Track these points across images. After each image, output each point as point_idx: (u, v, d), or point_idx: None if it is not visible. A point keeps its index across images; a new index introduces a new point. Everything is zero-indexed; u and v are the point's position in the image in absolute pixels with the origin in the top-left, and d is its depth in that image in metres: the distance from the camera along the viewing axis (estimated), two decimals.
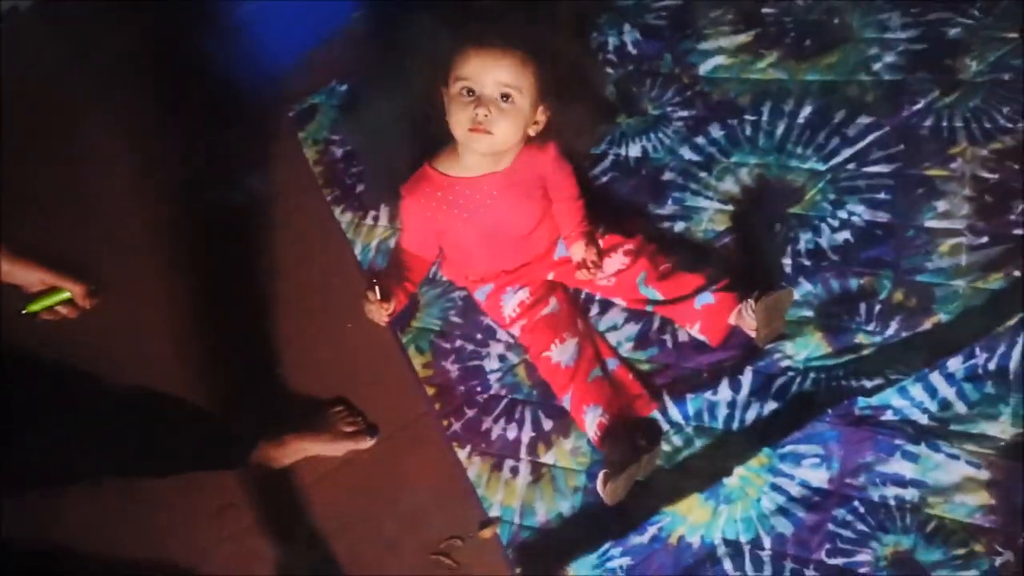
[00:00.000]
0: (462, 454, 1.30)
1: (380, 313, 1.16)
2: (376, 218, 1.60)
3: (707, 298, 1.22)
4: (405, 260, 1.27)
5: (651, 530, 1.12)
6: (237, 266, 1.64)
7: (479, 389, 1.35)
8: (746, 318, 1.18)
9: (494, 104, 1.10)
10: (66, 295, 1.02)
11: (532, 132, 1.17)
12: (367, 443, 1.37)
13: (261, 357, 1.51)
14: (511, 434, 1.29)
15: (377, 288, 1.14)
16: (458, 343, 1.40)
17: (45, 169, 1.94)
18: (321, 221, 1.65)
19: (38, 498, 1.36)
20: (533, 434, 1.28)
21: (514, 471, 1.26)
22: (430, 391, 1.38)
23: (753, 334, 1.20)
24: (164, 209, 1.78)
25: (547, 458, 1.25)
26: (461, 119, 1.12)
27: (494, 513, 1.24)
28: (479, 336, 1.40)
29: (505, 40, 1.10)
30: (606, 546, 1.12)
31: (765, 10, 1.54)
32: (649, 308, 1.29)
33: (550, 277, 1.35)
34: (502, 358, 1.36)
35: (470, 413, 1.33)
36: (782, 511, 1.10)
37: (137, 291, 1.67)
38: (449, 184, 1.21)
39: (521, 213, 1.25)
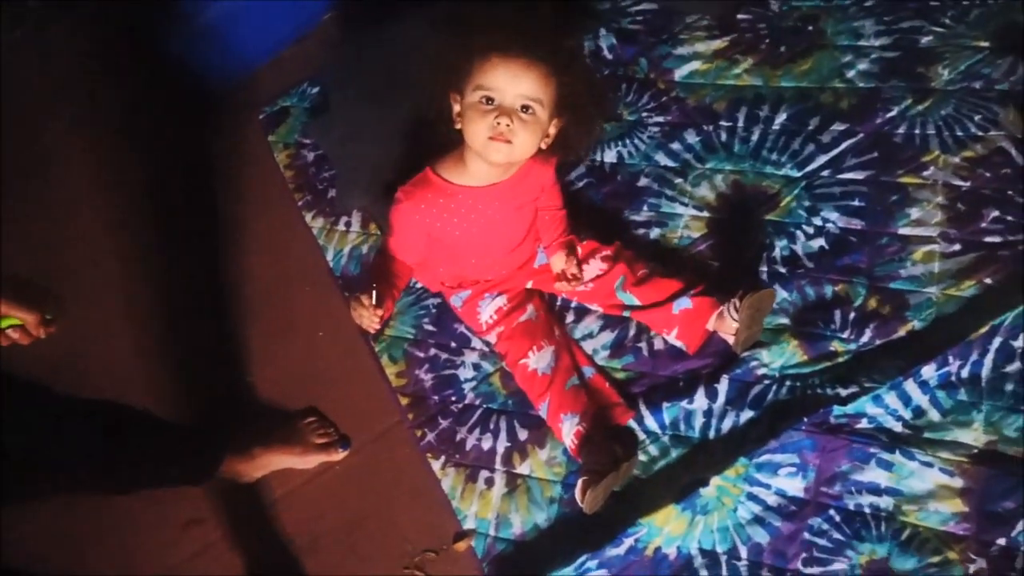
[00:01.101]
0: (436, 465, 1.28)
1: (372, 320, 1.12)
2: (348, 224, 1.57)
3: (685, 303, 1.22)
4: (392, 266, 1.23)
5: (627, 541, 1.11)
6: (205, 274, 1.61)
7: (453, 398, 1.33)
8: (727, 320, 1.17)
9: (515, 114, 1.07)
10: (15, 321, 0.98)
11: (543, 146, 1.15)
12: (339, 455, 1.34)
13: (229, 367, 1.48)
14: (486, 444, 1.27)
15: (374, 293, 1.11)
16: (432, 352, 1.38)
17: (6, 184, 1.89)
18: (292, 227, 1.61)
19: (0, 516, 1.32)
20: (508, 444, 1.26)
21: (489, 482, 1.24)
22: (404, 401, 1.35)
23: (732, 339, 1.19)
24: (129, 217, 1.74)
25: (523, 468, 1.24)
26: (481, 128, 1.08)
27: (469, 525, 1.22)
28: (453, 344, 1.37)
29: (532, 51, 1.07)
30: (582, 558, 1.11)
31: (740, 16, 1.54)
32: (626, 314, 1.28)
33: (529, 285, 1.34)
34: (477, 367, 1.34)
35: (444, 423, 1.31)
36: (758, 520, 1.10)
37: (101, 302, 1.63)
38: (453, 192, 1.18)
39: (517, 224, 1.24)
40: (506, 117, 1.06)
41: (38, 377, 1.14)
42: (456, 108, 1.13)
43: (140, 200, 1.76)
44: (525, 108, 1.08)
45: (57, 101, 2.00)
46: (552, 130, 1.14)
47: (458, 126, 1.13)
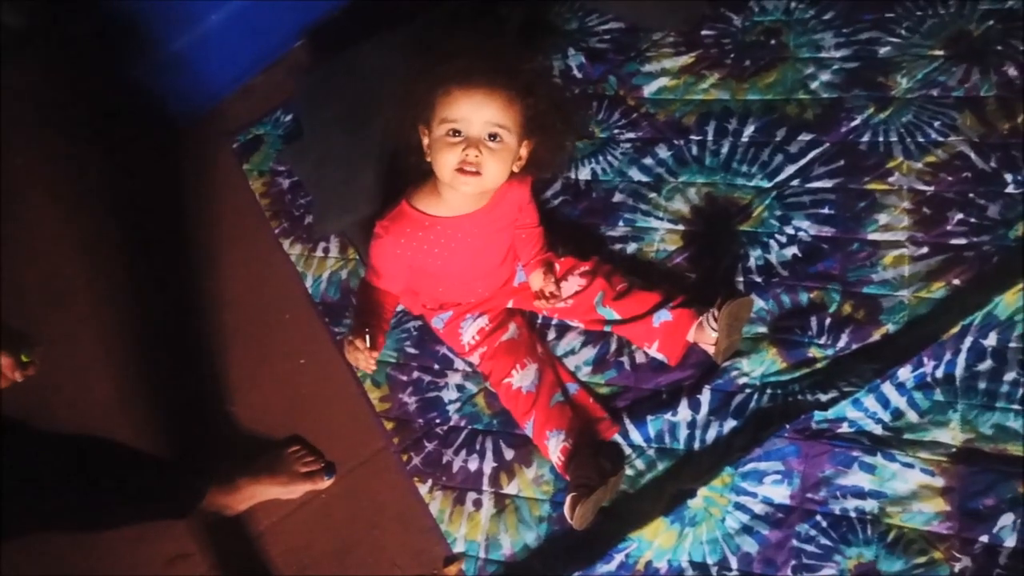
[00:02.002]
0: (423, 489, 1.27)
1: (369, 362, 1.11)
2: (327, 249, 1.56)
3: (664, 315, 1.23)
4: (377, 299, 1.22)
5: (618, 557, 1.11)
6: (183, 304, 1.59)
7: (438, 421, 1.33)
8: (707, 330, 1.19)
9: (483, 144, 1.07)
10: None
11: (516, 168, 1.15)
12: (325, 483, 1.33)
13: (210, 397, 1.46)
14: (472, 466, 1.27)
15: (368, 336, 1.10)
16: (415, 374, 1.38)
17: None
18: (270, 254, 1.60)
19: None
20: (495, 464, 1.26)
21: (477, 504, 1.24)
22: (388, 425, 1.35)
23: (711, 349, 1.21)
24: (103, 250, 1.71)
25: (510, 488, 1.24)
26: (449, 160, 1.08)
27: (459, 548, 1.21)
28: (436, 366, 1.37)
29: (492, 79, 1.07)
30: None
31: (704, 32, 1.57)
32: (607, 328, 1.29)
33: (510, 304, 1.34)
34: (460, 388, 1.34)
35: (430, 446, 1.30)
36: (747, 530, 1.11)
37: (76, 336, 1.60)
38: (431, 223, 1.18)
39: (497, 247, 1.25)
40: (474, 149, 1.07)
41: (13, 413, 1.13)
42: (425, 141, 1.13)
43: (115, 233, 1.74)
44: (493, 136, 1.08)
45: (24, 136, 1.97)
46: (523, 152, 1.15)
47: (428, 159, 1.13)
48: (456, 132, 1.08)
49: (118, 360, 1.55)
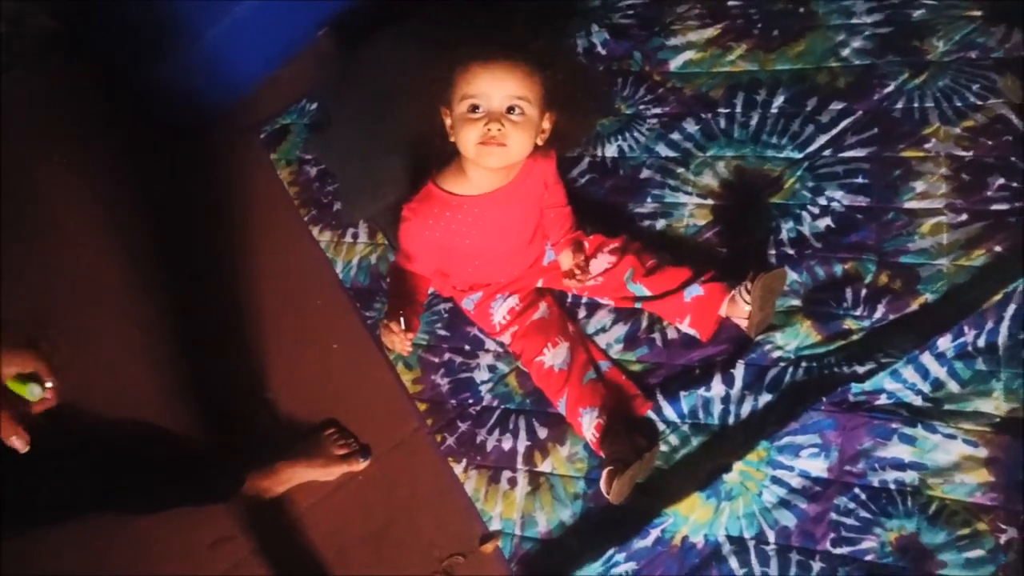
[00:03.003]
0: (458, 469, 1.28)
1: (405, 344, 1.12)
2: (355, 235, 1.58)
3: (696, 290, 1.22)
4: (410, 282, 1.23)
5: (654, 533, 1.11)
6: (217, 294, 1.62)
7: (471, 401, 1.33)
8: (740, 304, 1.17)
9: (504, 117, 1.07)
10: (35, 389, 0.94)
11: (540, 142, 1.15)
12: (360, 465, 1.35)
13: (247, 384, 1.49)
14: (506, 445, 1.27)
15: (402, 319, 1.12)
16: (447, 356, 1.38)
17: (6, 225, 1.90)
18: (300, 242, 1.62)
19: (29, 539, 1.32)
20: (528, 443, 1.26)
21: (512, 482, 1.24)
22: (421, 407, 1.36)
23: (745, 323, 1.19)
24: (136, 245, 1.75)
25: (544, 467, 1.24)
26: (471, 136, 1.08)
27: (494, 527, 1.22)
28: (467, 347, 1.38)
29: (509, 52, 1.07)
30: (610, 552, 1.11)
31: (731, 3, 1.54)
32: (638, 305, 1.28)
33: (540, 284, 1.34)
34: (492, 368, 1.35)
35: (463, 426, 1.31)
36: (784, 504, 1.10)
37: (115, 331, 1.64)
38: (458, 203, 1.19)
39: (525, 224, 1.25)
40: (495, 122, 1.07)
41: (61, 402, 1.16)
42: (448, 122, 1.13)
43: (147, 227, 1.77)
44: (513, 109, 1.08)
45: (55, 135, 2.02)
46: (546, 125, 1.14)
47: (452, 139, 1.13)
48: (477, 107, 1.08)
49: (156, 352, 1.58)
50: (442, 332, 1.41)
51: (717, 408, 1.19)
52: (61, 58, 2.14)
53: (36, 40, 2.22)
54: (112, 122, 1.97)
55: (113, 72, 1.96)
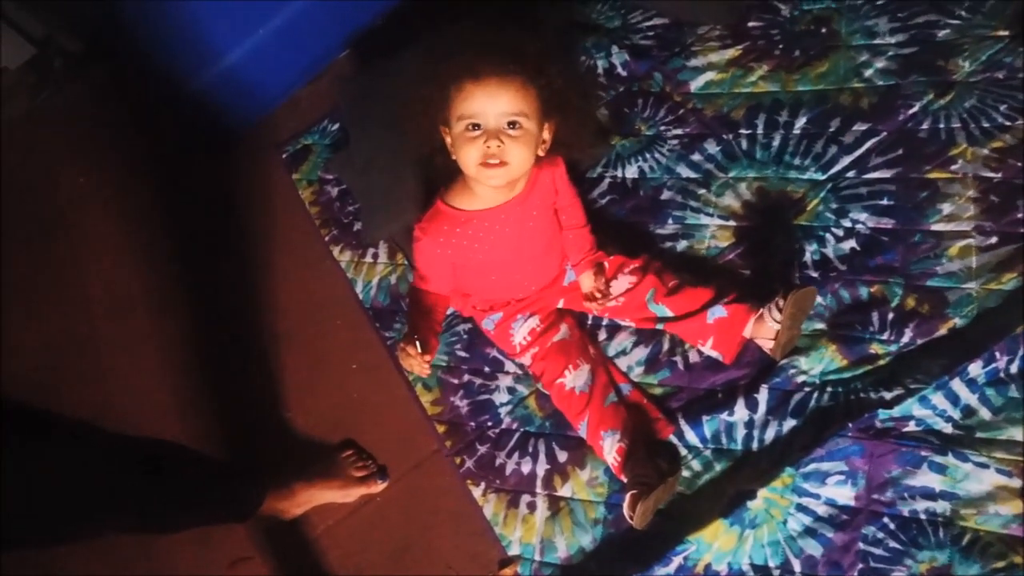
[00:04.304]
0: (477, 492, 1.27)
1: (422, 366, 1.12)
2: (376, 255, 1.58)
3: (719, 311, 1.20)
4: (428, 302, 1.23)
5: (676, 560, 1.09)
6: (237, 313, 1.63)
7: (490, 424, 1.32)
8: (767, 323, 1.15)
9: (503, 134, 1.07)
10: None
11: (542, 152, 1.15)
12: (379, 487, 1.34)
13: (265, 404, 1.49)
14: (526, 468, 1.26)
15: (418, 342, 1.11)
16: (466, 378, 1.38)
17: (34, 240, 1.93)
18: (320, 262, 1.63)
19: (47, 556, 1.33)
20: (548, 467, 1.25)
21: (531, 506, 1.23)
22: (440, 429, 1.35)
23: (769, 345, 1.18)
24: (158, 263, 1.77)
25: (564, 491, 1.22)
26: (472, 156, 1.08)
27: (513, 551, 1.21)
28: (487, 369, 1.37)
29: (501, 68, 1.07)
30: None
31: (751, 24, 1.54)
32: (659, 326, 1.27)
33: (560, 304, 1.33)
34: (511, 390, 1.34)
35: (482, 449, 1.30)
36: (810, 532, 1.07)
37: (134, 348, 1.65)
38: (467, 219, 1.18)
39: (538, 233, 1.24)
40: (495, 140, 1.06)
41: (80, 420, 1.16)
42: (448, 140, 1.13)
43: (171, 246, 1.79)
44: (512, 124, 1.08)
45: (85, 155, 2.05)
46: (547, 135, 1.14)
47: (454, 157, 1.13)
48: (475, 126, 1.08)
49: (177, 369, 1.59)
50: (462, 353, 1.40)
51: (740, 433, 1.17)
52: (87, 79, 2.19)
53: (64, 61, 2.28)
54: (135, 142, 2.01)
55: (138, 92, 1.99)
